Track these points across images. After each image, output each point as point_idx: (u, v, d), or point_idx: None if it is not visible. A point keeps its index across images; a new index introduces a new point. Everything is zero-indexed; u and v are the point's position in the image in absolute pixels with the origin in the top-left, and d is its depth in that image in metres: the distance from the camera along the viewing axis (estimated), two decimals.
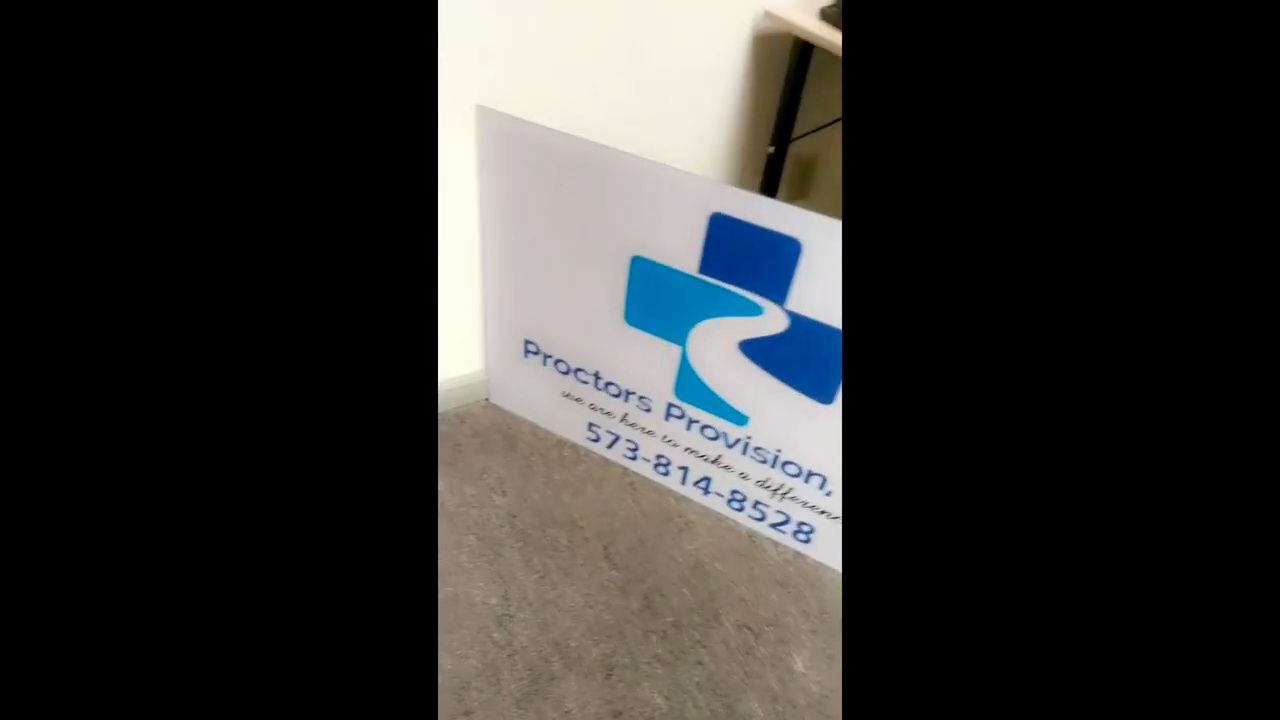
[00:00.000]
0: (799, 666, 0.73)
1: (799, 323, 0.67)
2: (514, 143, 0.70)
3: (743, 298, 0.68)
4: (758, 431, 0.77)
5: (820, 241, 0.61)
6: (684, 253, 0.68)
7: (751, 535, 0.84)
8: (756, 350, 0.71)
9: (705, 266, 0.68)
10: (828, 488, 0.76)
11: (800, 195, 1.15)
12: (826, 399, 0.70)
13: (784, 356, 0.70)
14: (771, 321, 0.68)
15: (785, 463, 0.77)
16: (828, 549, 0.81)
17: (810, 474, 0.76)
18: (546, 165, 0.70)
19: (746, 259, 0.65)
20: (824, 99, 0.98)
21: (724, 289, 0.68)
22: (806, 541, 0.82)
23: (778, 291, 0.66)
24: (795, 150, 1.07)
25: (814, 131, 1.08)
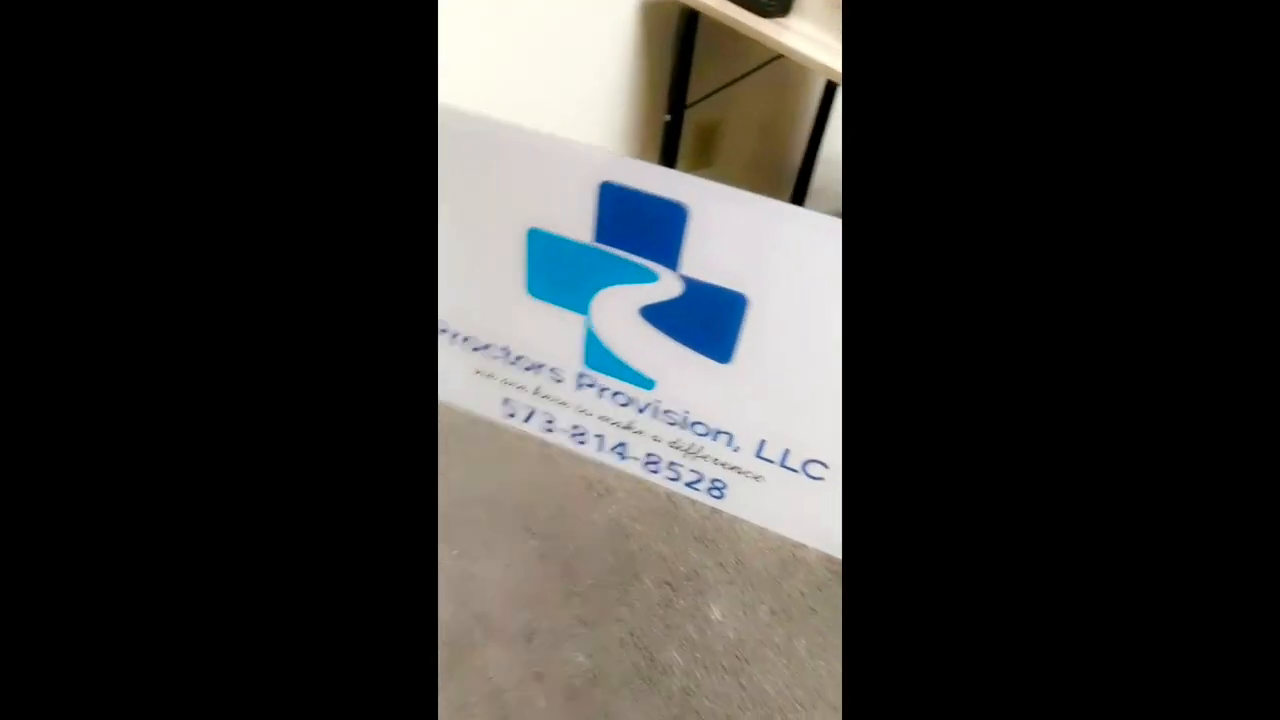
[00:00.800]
0: (716, 615, 0.76)
1: (693, 286, 0.68)
2: None
3: (638, 264, 0.69)
4: (665, 395, 0.79)
5: (706, 206, 0.63)
6: (578, 223, 0.69)
7: (670, 495, 0.87)
8: (656, 315, 0.73)
9: (600, 235, 0.69)
10: (735, 444, 0.79)
11: (704, 164, 1.18)
12: (725, 358, 0.73)
13: (681, 320, 0.72)
14: (667, 287, 0.70)
15: (694, 423, 0.79)
16: (741, 503, 0.84)
17: (718, 432, 0.79)
18: (438, 140, 0.70)
19: (637, 226, 0.67)
20: (720, 65, 1.00)
21: (619, 257, 0.70)
22: (720, 497, 0.85)
23: (669, 257, 0.67)
24: (696, 118, 1.10)
25: (708, 97, 1.10)
